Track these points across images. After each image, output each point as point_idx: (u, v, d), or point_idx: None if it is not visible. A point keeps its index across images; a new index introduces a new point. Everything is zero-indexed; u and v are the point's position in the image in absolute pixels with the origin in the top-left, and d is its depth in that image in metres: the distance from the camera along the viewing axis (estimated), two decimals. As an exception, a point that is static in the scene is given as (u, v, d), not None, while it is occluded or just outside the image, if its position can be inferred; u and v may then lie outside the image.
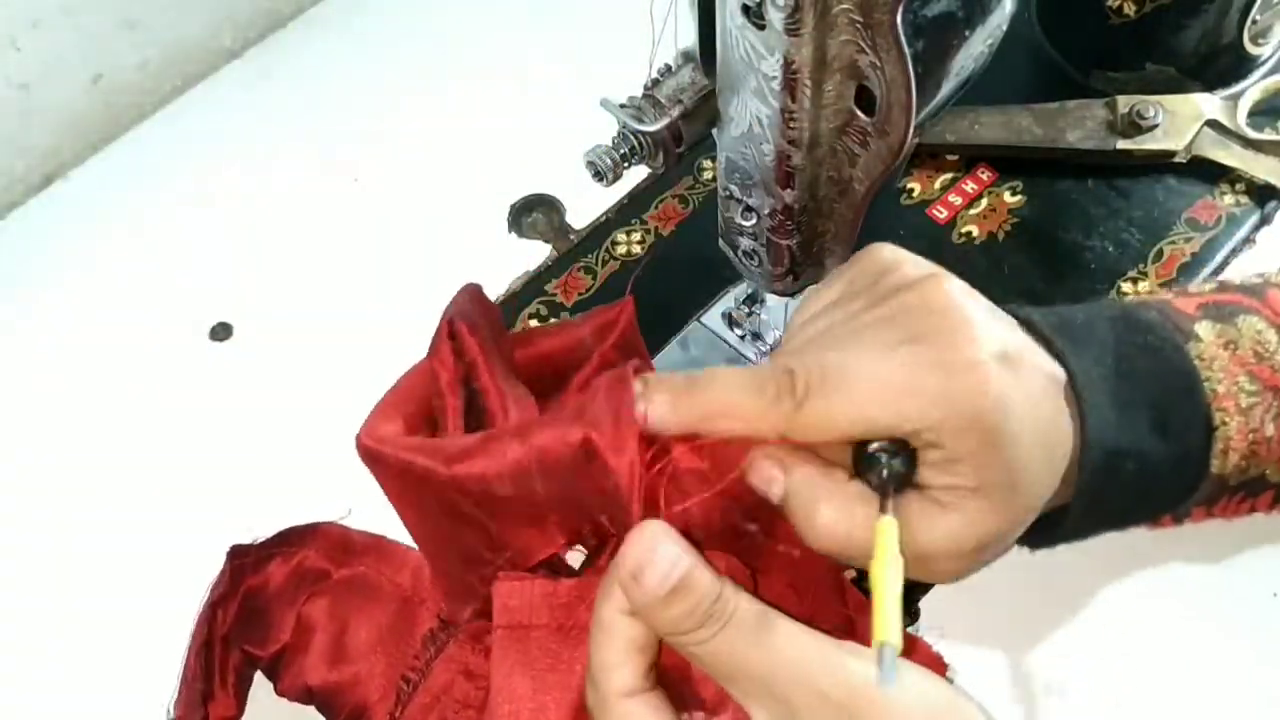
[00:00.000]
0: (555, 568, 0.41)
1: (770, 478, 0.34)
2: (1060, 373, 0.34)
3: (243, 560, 0.51)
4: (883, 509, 0.32)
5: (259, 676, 0.51)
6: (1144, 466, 0.35)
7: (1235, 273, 0.40)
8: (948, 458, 0.32)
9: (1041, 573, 0.53)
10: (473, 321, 0.47)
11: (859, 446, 0.33)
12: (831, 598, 0.42)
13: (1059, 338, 0.35)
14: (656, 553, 0.31)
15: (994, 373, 0.32)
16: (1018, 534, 0.35)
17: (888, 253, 0.36)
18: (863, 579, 0.47)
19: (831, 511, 0.33)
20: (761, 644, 0.31)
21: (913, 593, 0.51)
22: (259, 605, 0.50)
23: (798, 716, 0.30)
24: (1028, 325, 0.35)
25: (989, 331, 0.32)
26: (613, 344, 0.50)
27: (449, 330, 0.47)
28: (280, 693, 0.50)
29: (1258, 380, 0.36)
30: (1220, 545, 0.54)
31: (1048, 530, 0.37)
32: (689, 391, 0.34)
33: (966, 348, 0.32)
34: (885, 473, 0.32)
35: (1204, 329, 0.37)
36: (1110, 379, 0.35)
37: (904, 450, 0.33)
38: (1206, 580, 0.53)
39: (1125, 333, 0.37)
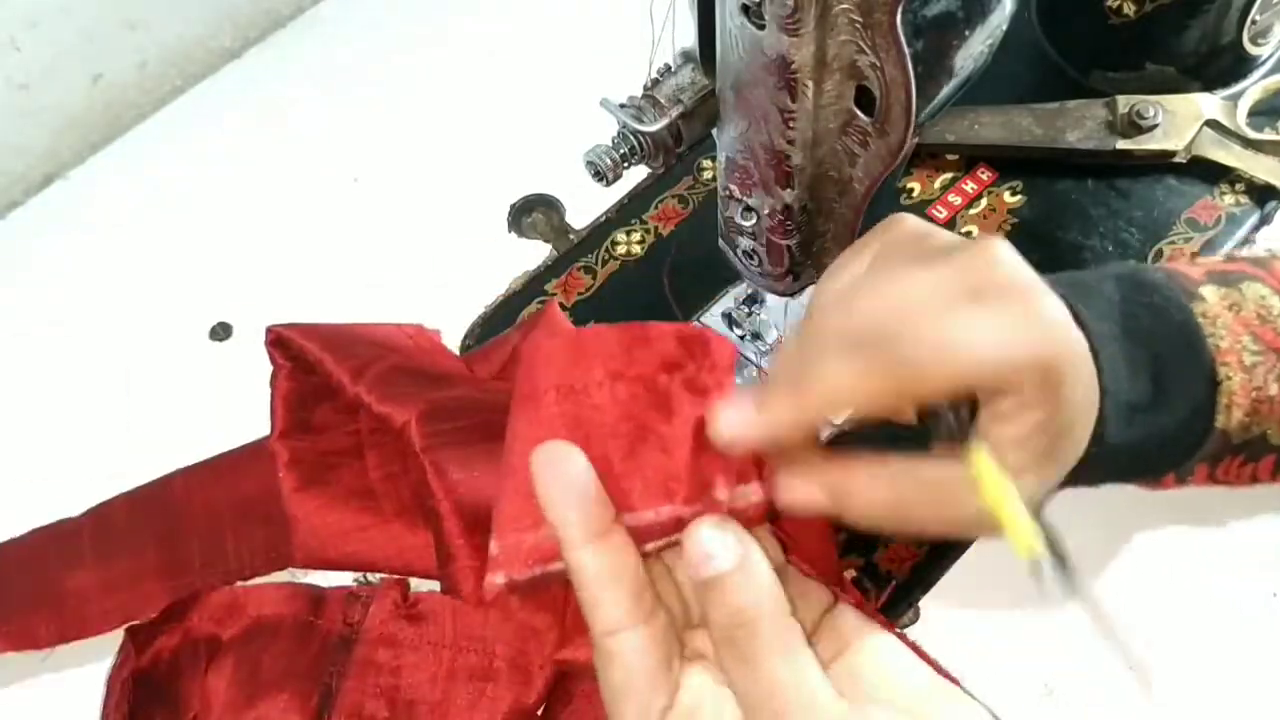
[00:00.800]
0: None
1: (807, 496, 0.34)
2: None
3: (133, 641, 0.49)
4: (964, 439, 0.32)
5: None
6: (1154, 420, 0.36)
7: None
8: (1021, 404, 0.32)
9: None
10: (305, 329, 0.48)
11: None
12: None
13: (1073, 298, 0.35)
14: (717, 536, 0.31)
15: (1071, 325, 0.33)
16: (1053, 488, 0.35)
17: (914, 221, 0.36)
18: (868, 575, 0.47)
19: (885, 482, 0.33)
20: (772, 680, 0.30)
21: (913, 591, 0.51)
22: (156, 681, 0.48)
23: None
24: None
25: (1049, 288, 0.33)
26: (531, 333, 0.50)
27: (274, 339, 0.48)
28: None
29: (1261, 341, 0.37)
30: (1220, 545, 0.54)
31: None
32: (796, 392, 0.33)
33: (1042, 300, 0.32)
34: (954, 417, 0.33)
35: (1208, 291, 0.38)
36: (1119, 336, 0.36)
37: (967, 403, 0.33)
38: (1206, 580, 0.53)
39: (1131, 292, 0.37)
